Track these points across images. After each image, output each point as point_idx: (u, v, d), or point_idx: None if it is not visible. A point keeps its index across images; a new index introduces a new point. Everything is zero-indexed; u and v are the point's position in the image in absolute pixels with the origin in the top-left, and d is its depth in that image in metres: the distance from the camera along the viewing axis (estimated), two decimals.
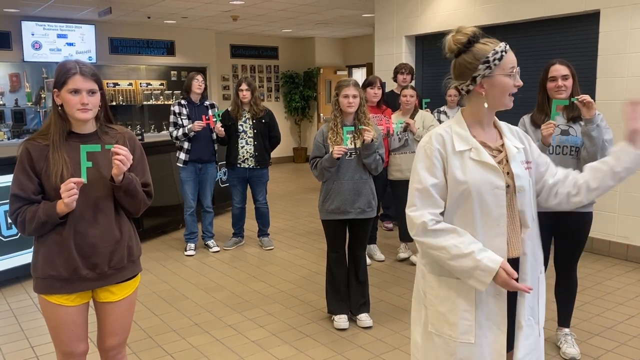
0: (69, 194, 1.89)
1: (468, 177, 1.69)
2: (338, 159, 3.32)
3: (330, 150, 3.36)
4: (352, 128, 3.39)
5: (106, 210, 2.06)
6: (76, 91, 1.96)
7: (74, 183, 1.90)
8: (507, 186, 1.73)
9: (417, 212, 1.73)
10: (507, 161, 1.76)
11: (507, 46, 1.72)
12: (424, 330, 1.85)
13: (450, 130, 1.77)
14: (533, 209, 1.80)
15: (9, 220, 4.29)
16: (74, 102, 1.96)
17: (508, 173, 1.74)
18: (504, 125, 1.85)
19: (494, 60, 1.69)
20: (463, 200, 1.71)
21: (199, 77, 5.14)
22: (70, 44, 9.02)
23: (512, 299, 1.76)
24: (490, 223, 1.71)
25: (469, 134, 1.76)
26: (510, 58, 1.70)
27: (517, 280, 1.68)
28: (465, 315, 1.73)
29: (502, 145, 1.79)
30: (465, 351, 1.74)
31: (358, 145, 3.44)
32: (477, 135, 1.77)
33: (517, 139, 1.82)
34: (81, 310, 2.12)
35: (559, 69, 2.94)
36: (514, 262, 1.76)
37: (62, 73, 1.97)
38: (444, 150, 1.73)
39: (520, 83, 1.72)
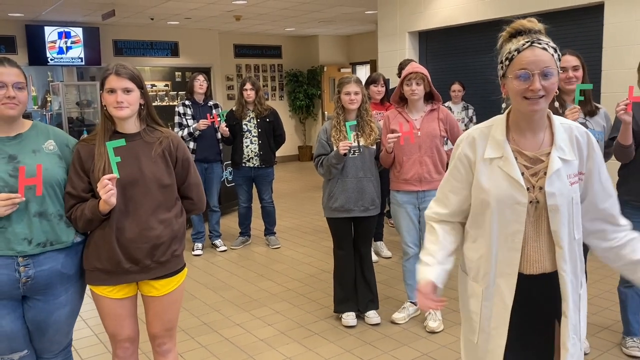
0: (105, 190, 1.96)
1: (491, 186, 1.63)
2: (345, 154, 3.32)
3: (336, 147, 3.36)
4: (355, 122, 3.38)
5: (146, 206, 2.11)
6: (112, 90, 2.06)
7: (108, 179, 1.96)
8: (537, 202, 1.61)
9: (432, 204, 1.85)
10: (545, 174, 1.60)
11: (530, 44, 1.54)
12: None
13: (488, 132, 1.68)
14: (572, 228, 1.63)
15: None
16: (110, 100, 2.07)
17: (541, 188, 1.60)
18: (561, 130, 1.63)
19: (505, 60, 1.59)
20: (484, 208, 1.67)
21: (200, 77, 5.16)
22: (76, 47, 9.07)
23: (552, 317, 1.70)
24: (505, 236, 1.63)
25: (505, 138, 1.63)
26: (522, 59, 1.54)
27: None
28: (472, 316, 1.76)
29: (549, 154, 1.61)
30: (470, 347, 1.80)
31: (362, 143, 3.43)
32: (516, 140, 1.64)
33: (571, 148, 1.62)
34: (124, 305, 2.20)
35: (570, 60, 2.91)
36: (542, 278, 1.66)
37: (102, 75, 2.12)
38: (474, 155, 1.68)
39: (537, 87, 1.52)
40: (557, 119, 1.66)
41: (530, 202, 1.61)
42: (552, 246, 1.64)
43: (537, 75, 1.53)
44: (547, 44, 1.56)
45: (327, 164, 3.40)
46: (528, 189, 1.61)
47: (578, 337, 1.71)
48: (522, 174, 1.61)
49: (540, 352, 1.75)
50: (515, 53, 1.56)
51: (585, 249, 1.83)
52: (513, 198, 1.60)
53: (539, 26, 1.59)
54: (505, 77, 1.61)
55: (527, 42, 1.55)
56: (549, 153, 1.61)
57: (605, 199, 1.69)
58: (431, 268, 1.72)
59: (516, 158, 1.62)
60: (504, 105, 1.71)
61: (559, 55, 1.58)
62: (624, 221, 1.72)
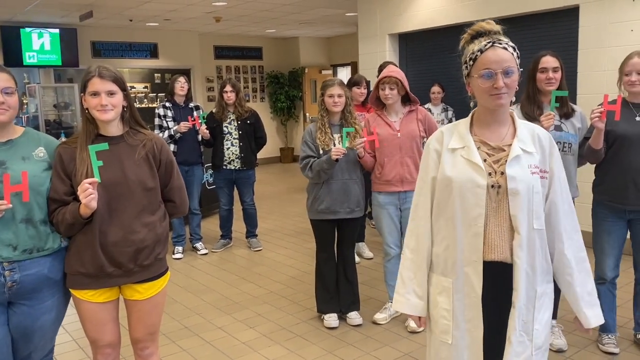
0: (85, 194, 1.94)
1: (454, 173, 1.71)
2: (337, 160, 3.32)
3: (323, 150, 3.38)
4: (352, 129, 3.39)
5: (130, 209, 2.09)
6: (95, 93, 2.03)
7: (89, 183, 1.94)
8: (499, 186, 1.67)
9: (407, 238, 1.87)
10: (506, 161, 1.68)
11: (491, 44, 1.64)
12: (427, 325, 1.89)
13: (455, 128, 1.79)
14: (532, 217, 1.67)
15: None
16: (94, 103, 2.04)
17: (502, 173, 1.67)
18: (523, 127, 1.74)
19: (470, 60, 1.69)
20: (448, 196, 1.73)
21: (182, 79, 5.13)
22: (52, 49, 8.93)
23: (506, 310, 1.70)
24: (469, 221, 1.69)
25: (468, 131, 1.74)
26: (485, 59, 1.63)
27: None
28: (444, 314, 1.77)
29: (510, 145, 1.70)
30: (444, 350, 1.78)
31: (347, 145, 3.44)
32: (479, 133, 1.74)
33: (532, 143, 1.71)
34: (106, 308, 2.17)
35: (550, 61, 2.94)
36: (502, 268, 1.68)
37: (84, 77, 2.08)
38: (440, 147, 1.77)
39: (500, 84, 1.62)
40: (518, 119, 1.77)
41: (492, 186, 1.68)
42: (513, 233, 1.67)
43: (499, 74, 1.62)
44: (507, 43, 1.66)
45: (318, 169, 3.39)
46: (490, 174, 1.68)
47: (529, 338, 1.70)
48: (485, 160, 1.70)
49: (502, 344, 1.72)
50: (479, 53, 1.66)
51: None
52: (473, 181, 1.67)
53: (497, 27, 1.70)
54: (470, 77, 1.71)
55: (489, 42, 1.66)
56: (511, 145, 1.70)
57: (564, 201, 1.74)
58: (424, 304, 1.82)
59: (479, 147, 1.72)
60: (472, 104, 1.79)
61: (517, 54, 1.68)
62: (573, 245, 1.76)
